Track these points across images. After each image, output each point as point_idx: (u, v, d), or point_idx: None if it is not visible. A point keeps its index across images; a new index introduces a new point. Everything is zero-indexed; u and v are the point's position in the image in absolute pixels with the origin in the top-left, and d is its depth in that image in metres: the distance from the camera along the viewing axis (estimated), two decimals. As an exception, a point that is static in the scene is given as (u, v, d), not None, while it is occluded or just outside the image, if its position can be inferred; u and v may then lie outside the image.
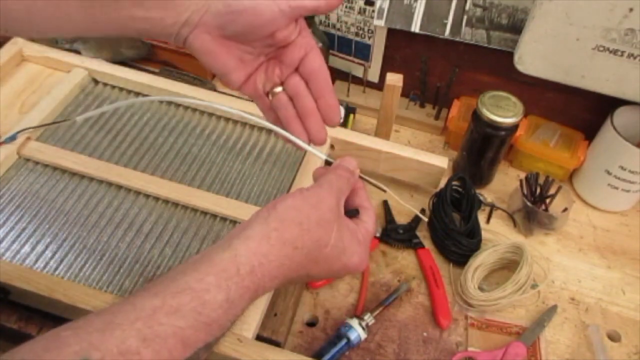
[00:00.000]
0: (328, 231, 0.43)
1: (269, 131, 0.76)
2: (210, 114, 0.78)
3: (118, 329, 0.34)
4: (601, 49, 0.67)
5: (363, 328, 0.62)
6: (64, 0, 0.43)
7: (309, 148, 0.49)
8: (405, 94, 0.82)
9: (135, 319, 0.34)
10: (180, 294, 0.36)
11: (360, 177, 0.50)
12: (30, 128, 0.70)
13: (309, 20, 0.80)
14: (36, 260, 0.61)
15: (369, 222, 0.48)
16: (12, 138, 0.68)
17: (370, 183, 0.53)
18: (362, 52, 0.87)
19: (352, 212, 0.48)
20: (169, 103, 0.79)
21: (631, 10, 0.63)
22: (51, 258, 0.62)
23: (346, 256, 0.45)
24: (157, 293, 0.37)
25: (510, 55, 0.74)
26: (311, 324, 0.65)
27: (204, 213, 0.66)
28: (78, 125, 0.75)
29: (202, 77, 0.92)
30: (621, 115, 0.73)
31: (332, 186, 0.46)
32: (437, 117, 0.88)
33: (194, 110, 0.78)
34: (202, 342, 0.36)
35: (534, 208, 0.73)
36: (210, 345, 0.37)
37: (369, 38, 0.85)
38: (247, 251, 0.40)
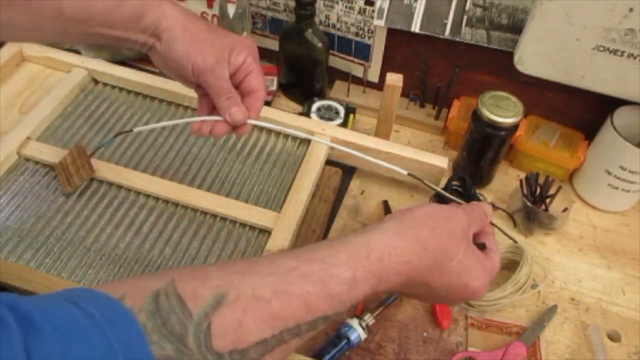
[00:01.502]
0: (457, 245, 0.45)
1: (269, 131, 0.76)
2: (210, 114, 0.78)
3: (256, 276, 0.37)
4: (601, 49, 0.67)
5: (363, 328, 0.62)
6: (41, 14, 0.49)
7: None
8: (405, 94, 0.82)
9: (271, 272, 0.38)
10: (313, 262, 0.40)
11: (492, 224, 0.53)
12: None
13: (309, 20, 0.80)
14: (36, 260, 0.61)
15: (496, 260, 0.49)
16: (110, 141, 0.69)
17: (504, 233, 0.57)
18: (362, 52, 0.87)
19: (480, 245, 0.49)
20: (169, 103, 0.79)
21: (631, 10, 0.63)
22: (51, 258, 0.62)
23: (469, 277, 0.46)
24: (294, 256, 0.40)
25: (510, 55, 0.74)
26: (311, 324, 0.65)
27: (204, 213, 0.67)
28: (79, 124, 0.75)
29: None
30: (621, 115, 0.73)
31: (466, 211, 0.49)
32: (437, 117, 0.88)
33: (194, 110, 0.78)
34: (323, 312, 0.38)
35: (534, 208, 0.73)
36: (328, 319, 0.39)
37: (369, 38, 0.85)
38: (379, 240, 0.42)
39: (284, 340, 0.37)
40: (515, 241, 0.66)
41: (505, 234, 0.56)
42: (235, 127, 0.55)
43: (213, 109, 0.56)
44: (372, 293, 0.42)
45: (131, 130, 0.65)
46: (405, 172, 0.55)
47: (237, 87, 0.55)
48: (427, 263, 0.44)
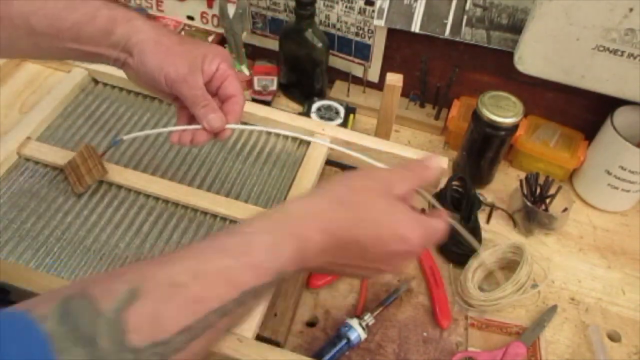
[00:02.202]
0: (377, 197, 0.44)
1: (269, 131, 0.76)
2: (210, 114, 0.78)
3: (172, 264, 0.36)
4: (601, 49, 0.67)
5: (363, 328, 0.62)
6: (12, 31, 0.51)
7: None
8: (405, 94, 0.82)
9: (187, 257, 0.37)
10: (230, 236, 0.39)
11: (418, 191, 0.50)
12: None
13: (309, 20, 0.80)
14: (36, 260, 0.61)
15: (435, 222, 0.46)
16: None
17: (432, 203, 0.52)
18: (362, 52, 0.87)
19: (417, 209, 0.46)
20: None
21: (631, 10, 0.63)
22: (51, 258, 0.62)
23: (397, 224, 0.44)
24: (212, 237, 0.40)
25: (510, 55, 0.74)
26: (311, 324, 0.65)
27: (204, 213, 0.66)
28: (79, 124, 0.75)
29: (202, 77, 0.92)
30: (621, 115, 0.73)
31: (392, 171, 0.48)
32: (437, 117, 0.88)
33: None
34: (248, 285, 0.37)
35: (534, 208, 0.73)
36: (255, 292, 0.37)
37: (369, 38, 0.85)
38: (295, 206, 0.43)
39: (211, 323, 0.35)
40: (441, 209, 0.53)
41: (428, 199, 0.50)
42: (215, 134, 0.55)
43: (192, 120, 0.56)
44: (301, 260, 0.40)
45: (118, 141, 0.64)
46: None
47: (214, 94, 0.56)
48: (347, 216, 0.42)
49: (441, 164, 0.72)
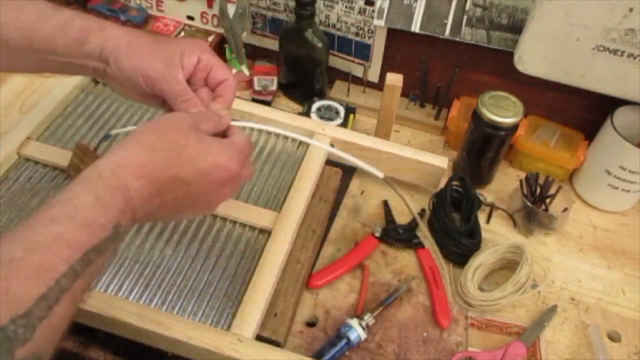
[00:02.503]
0: (185, 134, 0.46)
1: (269, 131, 0.76)
2: (210, 114, 0.78)
3: (4, 245, 0.35)
4: (601, 49, 0.67)
5: (363, 328, 0.62)
6: None
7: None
8: (405, 94, 0.82)
9: (14, 237, 0.36)
10: (52, 208, 0.39)
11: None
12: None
13: (309, 20, 0.80)
14: (36, 260, 0.61)
15: (238, 138, 0.50)
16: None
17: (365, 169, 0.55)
18: (362, 52, 0.87)
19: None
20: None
21: (631, 10, 0.63)
22: (51, 258, 0.62)
23: (212, 155, 0.46)
24: (34, 214, 0.38)
25: (510, 55, 0.74)
26: (311, 324, 0.65)
27: (204, 213, 0.66)
28: (79, 124, 0.75)
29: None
30: (621, 115, 0.73)
31: (191, 114, 0.50)
32: (437, 117, 0.88)
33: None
34: (89, 244, 0.38)
35: (534, 208, 0.73)
36: (98, 248, 0.38)
37: (369, 38, 0.85)
38: (106, 161, 0.43)
39: (66, 287, 0.35)
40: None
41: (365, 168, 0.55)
42: None
43: None
44: (132, 210, 0.42)
45: (109, 136, 0.64)
46: (381, 175, 0.56)
47: (204, 85, 0.56)
48: (162, 157, 0.44)
49: (442, 164, 0.73)
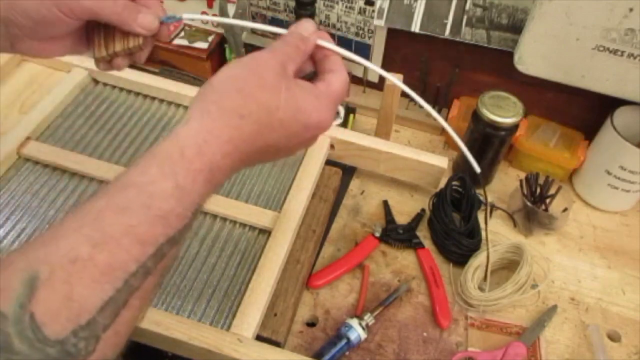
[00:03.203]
0: (275, 93, 0.39)
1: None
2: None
3: (63, 240, 0.31)
4: (601, 49, 0.67)
5: (363, 328, 0.62)
6: None
7: None
8: (405, 94, 0.82)
9: (80, 226, 0.32)
10: (124, 191, 0.34)
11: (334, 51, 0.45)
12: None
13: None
14: (36, 260, 0.61)
15: (333, 80, 0.43)
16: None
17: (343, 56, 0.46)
18: (362, 52, 0.87)
19: (308, 75, 0.44)
20: (169, 103, 0.79)
21: (631, 10, 0.63)
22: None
23: (304, 115, 0.40)
24: (100, 196, 0.34)
25: (510, 55, 0.74)
26: (311, 324, 0.65)
27: (204, 213, 0.66)
28: (79, 124, 0.75)
29: (202, 77, 0.92)
30: (621, 115, 0.73)
31: (276, 51, 0.41)
32: (437, 117, 0.88)
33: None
34: (163, 237, 0.33)
35: (534, 208, 0.73)
36: (174, 239, 0.34)
37: (369, 38, 0.85)
38: (188, 133, 0.36)
39: (135, 287, 0.31)
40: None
41: (345, 56, 0.45)
42: (155, 37, 0.47)
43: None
44: (213, 186, 0.37)
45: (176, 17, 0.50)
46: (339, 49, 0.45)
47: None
48: (252, 129, 0.38)
49: (442, 164, 0.73)
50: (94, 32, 0.48)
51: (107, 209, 0.33)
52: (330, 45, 0.44)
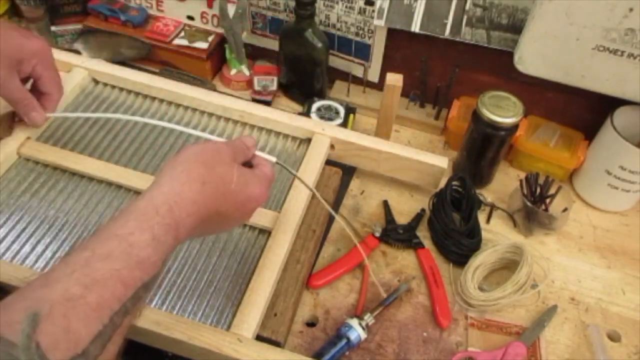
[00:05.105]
0: (230, 169, 0.49)
1: (269, 131, 0.76)
2: (211, 114, 0.78)
3: (58, 283, 0.36)
4: (601, 49, 0.67)
5: (363, 328, 0.62)
6: None
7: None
8: (405, 94, 0.82)
9: (71, 271, 0.37)
10: (108, 242, 0.40)
11: (278, 163, 0.57)
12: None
13: (309, 20, 0.80)
14: (36, 260, 0.61)
15: (265, 170, 0.54)
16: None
17: (287, 170, 0.59)
18: (362, 52, 0.87)
19: (247, 165, 0.55)
20: (169, 103, 0.79)
21: (631, 10, 0.63)
22: (51, 258, 0.62)
23: (250, 189, 0.50)
24: (86, 247, 0.40)
25: (510, 55, 0.74)
26: (311, 324, 0.65)
27: (204, 213, 0.66)
28: (79, 124, 0.75)
29: (202, 77, 0.92)
30: (621, 115, 0.73)
31: (229, 144, 0.52)
32: (437, 117, 0.88)
33: (194, 110, 0.78)
34: (140, 281, 0.39)
35: (534, 208, 0.73)
36: (148, 286, 0.41)
37: (369, 38, 0.85)
38: (161, 194, 0.44)
39: (117, 324, 0.37)
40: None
41: (286, 168, 0.58)
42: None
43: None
44: (176, 243, 0.44)
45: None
46: (274, 159, 0.57)
47: (34, 86, 0.64)
48: (211, 194, 0.46)
49: (442, 164, 0.73)
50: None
51: (93, 257, 0.38)
52: (266, 155, 0.56)
